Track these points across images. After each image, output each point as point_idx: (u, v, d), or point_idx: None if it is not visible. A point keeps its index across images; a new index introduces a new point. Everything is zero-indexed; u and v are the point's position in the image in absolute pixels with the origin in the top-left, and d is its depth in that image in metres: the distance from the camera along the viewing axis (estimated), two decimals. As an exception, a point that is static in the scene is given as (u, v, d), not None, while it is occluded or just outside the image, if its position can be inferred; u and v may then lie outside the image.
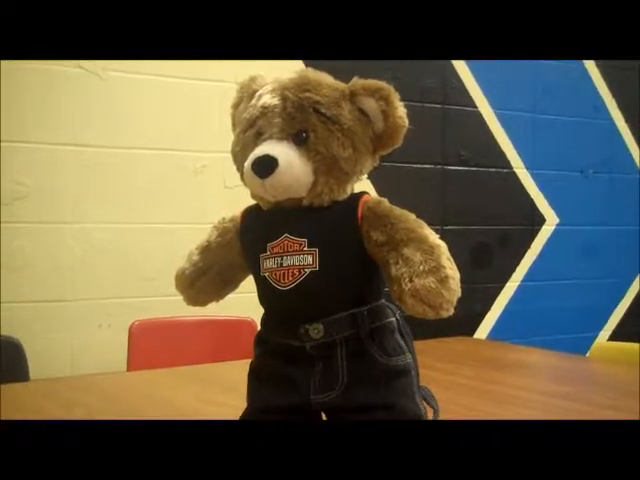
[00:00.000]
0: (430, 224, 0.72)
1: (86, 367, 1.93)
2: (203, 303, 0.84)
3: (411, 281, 0.66)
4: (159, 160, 2.01)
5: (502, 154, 2.57)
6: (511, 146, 2.59)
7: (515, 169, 2.59)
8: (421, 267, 0.67)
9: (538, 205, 2.64)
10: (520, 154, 2.60)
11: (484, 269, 2.52)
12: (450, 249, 0.70)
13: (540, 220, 2.64)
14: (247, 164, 0.73)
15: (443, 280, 0.66)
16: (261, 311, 0.78)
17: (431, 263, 0.67)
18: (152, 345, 1.74)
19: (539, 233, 2.64)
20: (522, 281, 2.60)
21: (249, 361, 0.79)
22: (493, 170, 2.54)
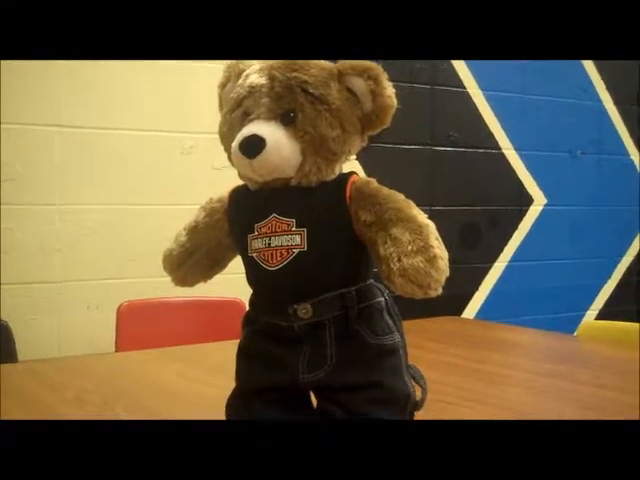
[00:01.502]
0: (419, 205, 0.72)
1: (74, 349, 1.93)
2: (191, 284, 0.84)
3: (399, 261, 0.66)
4: (147, 141, 2.00)
5: (491, 135, 2.57)
6: (500, 127, 2.59)
7: (503, 150, 2.59)
8: (409, 247, 0.67)
9: (526, 186, 2.64)
10: (509, 135, 2.60)
11: (472, 249, 2.53)
12: (439, 229, 0.70)
13: (528, 200, 2.65)
14: (234, 144, 0.72)
15: (431, 260, 0.66)
16: (249, 292, 0.78)
17: (419, 243, 0.67)
18: (140, 326, 1.74)
19: (527, 213, 2.65)
20: (510, 261, 2.61)
21: (237, 341, 0.79)
22: (482, 151, 2.54)
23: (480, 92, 2.55)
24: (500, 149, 2.58)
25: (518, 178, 2.62)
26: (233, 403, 0.78)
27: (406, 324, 0.79)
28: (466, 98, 2.53)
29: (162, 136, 2.01)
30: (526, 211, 2.65)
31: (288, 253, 0.71)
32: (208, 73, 2.00)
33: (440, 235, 0.70)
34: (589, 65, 2.77)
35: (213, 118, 0.83)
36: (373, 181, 0.74)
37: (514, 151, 2.61)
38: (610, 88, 2.81)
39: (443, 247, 0.68)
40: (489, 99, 2.56)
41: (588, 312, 2.82)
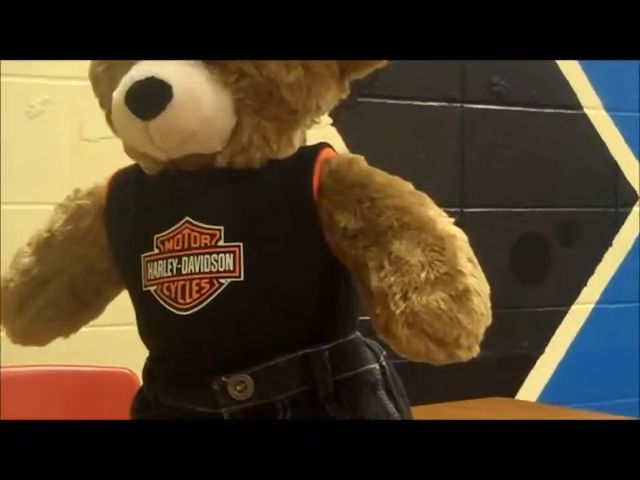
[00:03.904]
0: (441, 205, 0.74)
1: None
2: (41, 340, 0.84)
3: (406, 298, 0.67)
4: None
5: (563, 84, 2.59)
6: (579, 70, 2.61)
7: (586, 110, 2.61)
8: (423, 274, 0.67)
9: (625, 171, 2.66)
10: (594, 84, 2.63)
11: (534, 281, 2.54)
12: (475, 245, 0.71)
13: (628, 197, 2.67)
14: (117, 95, 0.73)
15: (461, 296, 0.67)
16: (144, 355, 0.78)
17: (440, 267, 0.67)
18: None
19: (627, 219, 2.67)
20: (598, 302, 2.62)
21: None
22: (549, 111, 2.56)
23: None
24: (581, 108, 2.60)
25: (612, 158, 2.64)
26: None
27: (420, 410, 0.79)
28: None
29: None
30: (626, 215, 2.66)
31: (212, 286, 0.72)
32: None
33: (476, 255, 0.71)
34: None
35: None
36: (359, 160, 0.75)
37: (604, 112, 2.63)
38: None
39: (481, 274, 0.70)
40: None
41: None
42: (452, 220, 0.72)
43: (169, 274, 0.73)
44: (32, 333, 0.83)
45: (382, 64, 0.78)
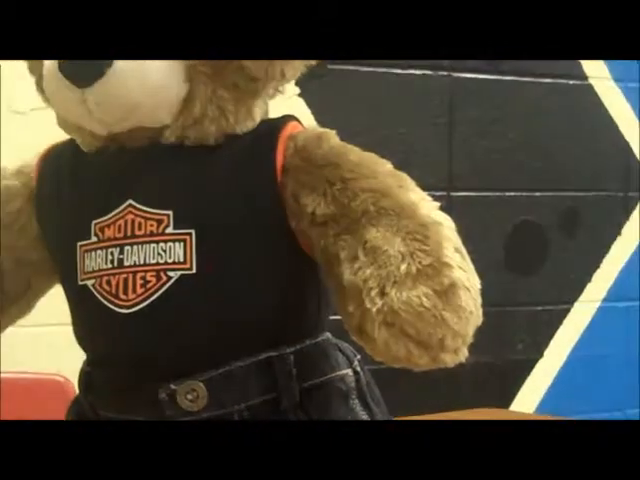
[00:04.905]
0: (426, 188, 0.74)
1: None
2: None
3: (383, 294, 0.67)
4: None
5: (566, 49, 2.60)
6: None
7: (591, 80, 2.62)
8: (403, 266, 0.67)
9: (636, 150, 2.67)
10: (601, 50, 2.63)
11: (531, 276, 2.55)
12: (462, 234, 0.71)
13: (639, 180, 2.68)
14: (50, 61, 0.73)
15: (447, 291, 0.67)
16: (79, 359, 0.78)
17: (423, 258, 0.68)
18: None
19: (638, 205, 2.68)
20: (604, 300, 2.63)
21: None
22: (548, 82, 2.57)
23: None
24: (585, 78, 2.61)
25: (621, 135, 2.65)
26: None
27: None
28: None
29: None
30: (637, 200, 2.67)
31: (159, 280, 0.72)
32: None
33: (465, 245, 0.71)
34: None
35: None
36: (329, 136, 0.76)
37: (612, 82, 2.64)
38: None
39: (470, 268, 0.70)
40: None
41: None
42: (437, 205, 0.72)
43: (109, 266, 0.73)
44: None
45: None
